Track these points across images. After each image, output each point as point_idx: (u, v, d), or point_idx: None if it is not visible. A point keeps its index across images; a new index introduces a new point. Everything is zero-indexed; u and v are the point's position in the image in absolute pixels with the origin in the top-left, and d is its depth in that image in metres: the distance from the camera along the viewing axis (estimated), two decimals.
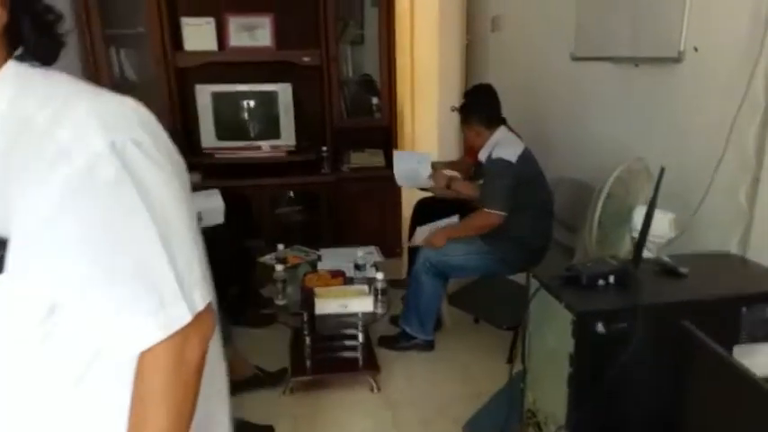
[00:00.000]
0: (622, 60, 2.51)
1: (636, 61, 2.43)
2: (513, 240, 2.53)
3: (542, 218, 2.57)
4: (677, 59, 2.14)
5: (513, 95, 3.58)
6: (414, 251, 2.95)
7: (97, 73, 3.31)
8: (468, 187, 2.78)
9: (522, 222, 2.51)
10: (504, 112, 2.90)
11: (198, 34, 3.47)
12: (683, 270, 1.50)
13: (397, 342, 2.78)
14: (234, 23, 3.53)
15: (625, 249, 2.11)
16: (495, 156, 2.49)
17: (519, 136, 2.93)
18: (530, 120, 3.42)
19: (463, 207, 2.80)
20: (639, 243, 1.50)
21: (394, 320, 2.89)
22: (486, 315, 1.64)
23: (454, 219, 2.73)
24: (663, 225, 2.03)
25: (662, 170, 1.53)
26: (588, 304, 1.33)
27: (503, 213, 2.47)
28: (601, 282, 1.41)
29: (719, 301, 1.39)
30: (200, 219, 2.70)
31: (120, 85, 3.46)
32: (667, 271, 1.52)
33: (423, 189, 3.05)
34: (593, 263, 1.46)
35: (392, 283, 3.42)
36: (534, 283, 1.47)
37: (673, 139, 2.27)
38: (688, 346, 1.15)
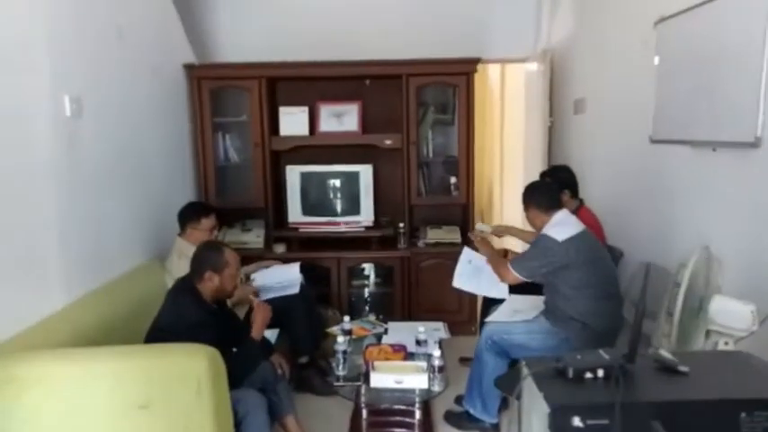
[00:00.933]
0: (700, 144, 2.44)
1: (713, 145, 2.35)
2: (575, 321, 2.45)
3: (604, 300, 2.47)
4: (754, 144, 2.06)
5: (593, 176, 3.55)
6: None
7: (204, 154, 3.76)
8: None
9: (580, 303, 2.45)
10: (584, 192, 2.88)
11: (292, 121, 3.85)
12: (684, 368, 1.40)
13: (461, 421, 2.71)
14: (324, 111, 3.89)
15: (700, 340, 1.97)
16: (544, 232, 2.53)
17: (594, 216, 2.89)
18: (609, 200, 3.34)
19: (532, 287, 2.75)
20: (634, 337, 1.43)
21: (459, 400, 2.83)
22: None
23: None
24: (744, 317, 1.88)
25: (647, 267, 1.57)
26: (566, 397, 1.30)
27: (519, 276, 2.54)
28: (588, 375, 1.36)
29: (715, 403, 1.29)
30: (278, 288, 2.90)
31: (223, 166, 3.89)
32: (666, 368, 1.43)
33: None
34: (585, 355, 1.42)
35: (462, 360, 3.39)
36: (525, 371, 1.45)
37: (750, 226, 2.13)
38: None
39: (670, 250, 2.66)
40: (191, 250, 2.82)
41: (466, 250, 2.97)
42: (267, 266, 3.35)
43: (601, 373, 1.35)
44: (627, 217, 3.21)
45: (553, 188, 2.70)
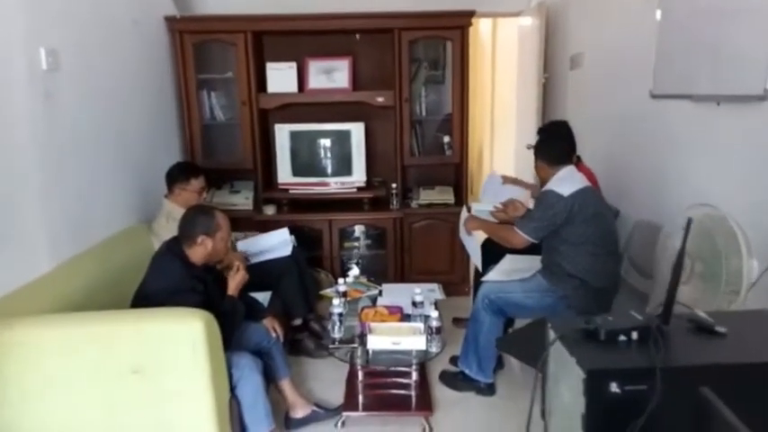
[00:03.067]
0: (703, 98, 2.37)
1: (717, 99, 2.29)
2: (573, 278, 2.43)
3: (603, 256, 2.44)
4: (763, 97, 1.99)
5: (590, 133, 3.48)
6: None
7: (189, 113, 3.62)
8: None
9: (579, 259, 2.42)
10: (581, 150, 2.81)
11: (280, 77, 3.70)
12: (721, 329, 1.33)
13: (456, 381, 2.71)
14: (314, 67, 3.74)
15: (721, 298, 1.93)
16: (548, 188, 2.47)
17: (592, 174, 2.83)
18: (607, 158, 3.29)
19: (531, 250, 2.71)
20: (670, 296, 1.35)
21: (454, 360, 2.83)
22: (534, 361, 1.53)
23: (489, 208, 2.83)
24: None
25: (689, 221, 1.41)
26: (601, 362, 1.22)
27: (528, 238, 2.46)
28: (622, 338, 1.28)
29: (757, 366, 1.22)
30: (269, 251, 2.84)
31: (209, 125, 3.76)
32: (703, 329, 1.36)
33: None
34: (616, 316, 1.34)
35: (456, 321, 3.38)
36: (551, 334, 1.37)
37: (756, 181, 2.09)
38: (707, 417, 1.02)
39: (669, 208, 2.63)
40: (179, 212, 2.74)
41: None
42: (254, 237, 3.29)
43: (635, 335, 1.28)
44: (624, 174, 3.17)
45: (564, 143, 2.62)
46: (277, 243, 3.15)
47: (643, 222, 2.77)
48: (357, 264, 3.93)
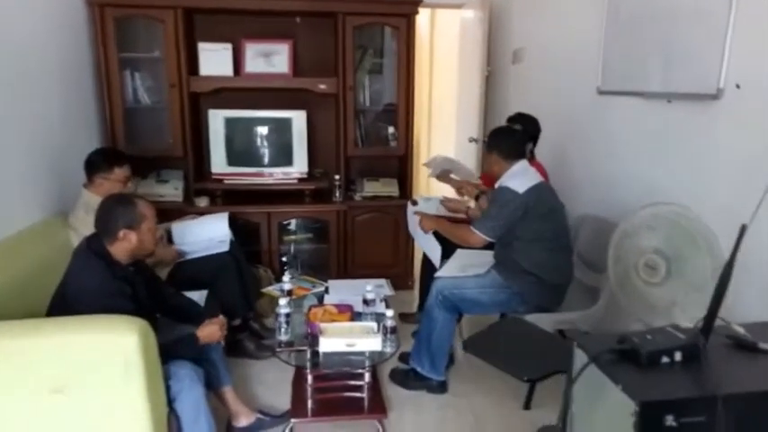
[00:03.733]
0: (654, 96, 2.39)
1: (668, 97, 2.31)
2: (528, 274, 2.40)
3: (557, 252, 2.45)
4: (715, 96, 2.02)
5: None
6: (427, 284, 2.82)
7: (110, 95, 3.27)
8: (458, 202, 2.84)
9: (534, 255, 2.40)
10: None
11: (214, 60, 3.43)
12: (765, 346, 1.22)
13: (408, 380, 2.62)
14: (251, 50, 3.50)
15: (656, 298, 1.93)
16: (503, 184, 2.43)
17: (544, 169, 2.82)
18: (552, 154, 3.30)
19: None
20: (712, 311, 1.21)
21: (403, 358, 2.74)
22: (505, 365, 1.46)
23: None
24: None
25: (742, 228, 1.21)
26: (653, 390, 1.07)
27: (486, 237, 2.43)
28: (665, 359, 1.14)
29: None
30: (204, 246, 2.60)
31: (133, 108, 3.42)
32: (743, 346, 1.24)
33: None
34: (653, 333, 1.19)
35: (403, 316, 3.30)
36: (580, 356, 1.20)
37: (704, 179, 2.13)
38: None
39: (617, 203, 2.66)
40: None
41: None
42: (191, 219, 3.04)
43: (678, 355, 1.14)
44: (569, 169, 3.19)
45: (519, 137, 2.59)
46: (215, 236, 2.92)
47: (589, 217, 2.79)
48: (295, 258, 3.74)
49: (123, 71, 3.35)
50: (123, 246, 1.88)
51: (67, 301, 1.76)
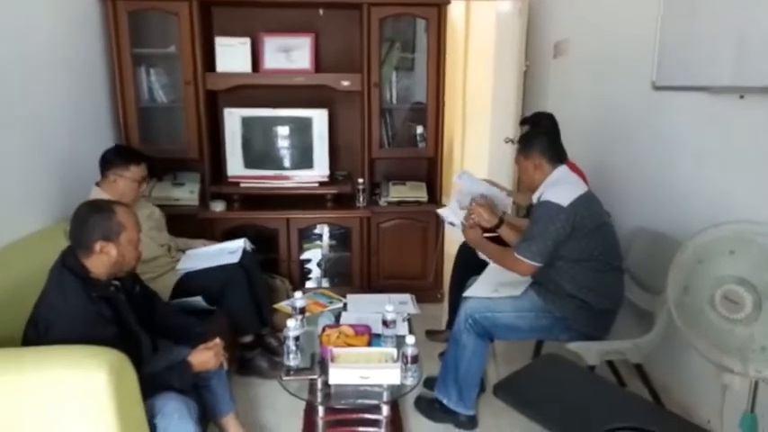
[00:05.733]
0: (723, 91, 2.05)
1: (741, 92, 1.97)
2: (572, 298, 2.09)
3: (607, 273, 2.11)
4: None
5: (575, 127, 3.15)
6: (457, 298, 2.53)
7: (123, 93, 3.10)
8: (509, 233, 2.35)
9: (580, 277, 2.08)
10: (567, 150, 2.48)
11: (231, 55, 3.23)
12: None
13: (433, 411, 2.34)
14: (270, 44, 3.28)
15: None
16: (544, 198, 2.08)
17: (582, 174, 2.50)
18: (596, 159, 2.97)
19: None
20: None
21: (429, 383, 2.46)
22: (545, 419, 1.18)
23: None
24: None
25: None
26: None
27: (534, 264, 2.07)
28: None
29: None
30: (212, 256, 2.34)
31: (147, 107, 3.25)
32: None
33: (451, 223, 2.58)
34: None
35: (429, 334, 3.02)
36: None
37: None
38: None
39: (674, 216, 2.32)
40: None
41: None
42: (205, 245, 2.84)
43: None
44: (616, 175, 2.85)
45: (556, 135, 2.27)
46: (226, 245, 2.71)
47: (643, 231, 2.45)
48: (320, 268, 3.52)
49: (137, 68, 3.18)
50: (101, 260, 1.65)
51: (38, 327, 1.55)
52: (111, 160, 2.46)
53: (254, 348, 2.70)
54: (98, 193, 2.41)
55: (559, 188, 2.07)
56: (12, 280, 1.86)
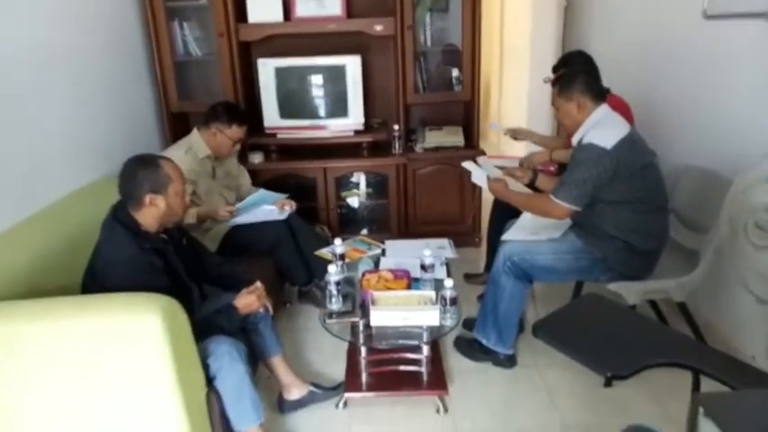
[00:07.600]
0: None
1: None
2: (614, 239, 2.06)
3: (651, 215, 2.07)
4: None
5: (619, 62, 3.02)
6: (495, 241, 2.53)
7: (159, 47, 3.13)
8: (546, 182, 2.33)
9: (622, 219, 2.04)
10: (609, 82, 2.38)
11: (263, 4, 3.19)
12: None
13: (472, 350, 2.40)
14: None
15: None
16: (586, 140, 2.02)
17: (626, 106, 2.41)
18: (642, 95, 2.84)
19: None
20: None
21: (468, 324, 2.50)
22: (583, 356, 1.21)
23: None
24: None
25: None
26: None
27: (572, 208, 2.04)
28: None
29: None
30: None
31: (183, 62, 3.28)
32: None
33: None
34: None
35: (468, 277, 3.06)
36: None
37: None
38: None
39: (728, 155, 2.22)
40: (203, 151, 2.56)
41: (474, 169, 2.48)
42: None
43: None
44: (663, 111, 2.74)
45: (596, 73, 2.20)
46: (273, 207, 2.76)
47: (692, 168, 2.37)
48: (358, 216, 3.56)
49: (170, 22, 3.18)
50: (150, 212, 1.73)
51: (96, 277, 1.65)
52: (218, 113, 2.62)
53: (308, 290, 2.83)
54: (195, 137, 2.61)
55: (603, 129, 2.00)
56: (67, 233, 1.96)
